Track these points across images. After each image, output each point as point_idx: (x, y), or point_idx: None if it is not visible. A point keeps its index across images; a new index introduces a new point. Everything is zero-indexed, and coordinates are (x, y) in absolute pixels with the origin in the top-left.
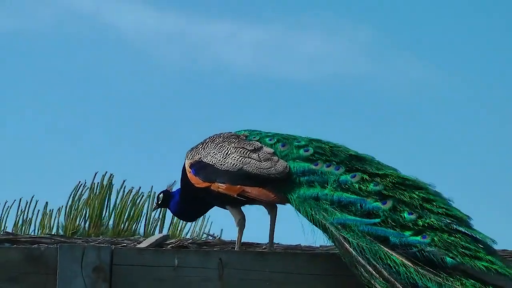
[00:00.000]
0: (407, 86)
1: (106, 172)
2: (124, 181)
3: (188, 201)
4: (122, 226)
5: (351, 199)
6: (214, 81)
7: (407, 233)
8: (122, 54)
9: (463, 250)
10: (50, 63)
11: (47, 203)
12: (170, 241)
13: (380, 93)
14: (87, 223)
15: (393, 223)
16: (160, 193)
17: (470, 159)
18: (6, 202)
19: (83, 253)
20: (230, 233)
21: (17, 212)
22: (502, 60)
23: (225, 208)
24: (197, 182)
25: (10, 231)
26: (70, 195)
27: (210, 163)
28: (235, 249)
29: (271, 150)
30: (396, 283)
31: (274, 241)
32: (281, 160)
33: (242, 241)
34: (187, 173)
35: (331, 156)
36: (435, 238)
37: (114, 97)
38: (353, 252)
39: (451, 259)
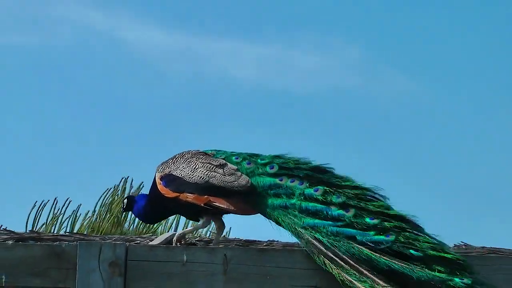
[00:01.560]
0: (393, 98)
1: (128, 176)
2: (142, 182)
3: (154, 207)
4: (142, 226)
5: (317, 207)
6: (218, 94)
7: (372, 232)
8: (134, 68)
9: (426, 244)
10: (69, 77)
11: (79, 205)
12: None
13: (369, 105)
14: (111, 223)
15: (358, 226)
16: (124, 199)
17: (454, 169)
18: (42, 202)
19: (100, 249)
20: (235, 232)
21: (49, 212)
22: (481, 75)
23: (188, 217)
24: (167, 192)
25: (35, 230)
26: (99, 199)
27: (180, 176)
28: (181, 234)
29: (235, 166)
30: (369, 274)
31: (271, 238)
32: (244, 175)
33: (244, 238)
34: (158, 184)
35: (295, 170)
36: (399, 237)
37: (127, 108)
38: (324, 249)
39: (416, 252)
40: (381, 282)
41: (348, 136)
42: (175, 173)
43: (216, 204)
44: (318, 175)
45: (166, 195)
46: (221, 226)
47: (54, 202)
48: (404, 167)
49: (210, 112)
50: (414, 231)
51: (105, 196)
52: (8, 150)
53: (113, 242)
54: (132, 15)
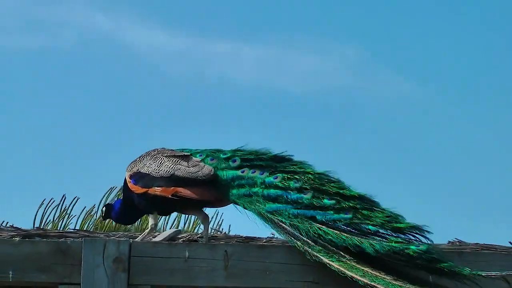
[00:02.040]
0: (389, 99)
1: None
2: None
3: (128, 208)
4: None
5: (277, 193)
6: (218, 94)
7: (331, 212)
8: (136, 69)
9: (382, 220)
10: (72, 78)
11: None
12: (182, 235)
13: (365, 104)
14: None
15: (317, 207)
16: (103, 207)
17: (448, 168)
18: (51, 199)
19: (104, 246)
20: (236, 229)
21: (56, 209)
22: (477, 76)
23: (159, 212)
24: (137, 189)
25: (42, 227)
26: (102, 198)
27: (147, 172)
28: (137, 239)
29: (199, 159)
30: (330, 246)
31: (271, 235)
32: (207, 166)
33: (244, 235)
34: (128, 183)
35: (255, 161)
36: (357, 214)
37: (130, 108)
38: (289, 228)
39: (373, 227)
40: (346, 256)
41: (345, 136)
42: (142, 170)
43: (182, 193)
44: (277, 163)
45: (136, 192)
46: (205, 217)
47: (62, 200)
48: (399, 166)
49: (210, 112)
50: (371, 207)
51: (108, 194)
52: (15, 149)
53: (117, 238)
54: (135, 17)
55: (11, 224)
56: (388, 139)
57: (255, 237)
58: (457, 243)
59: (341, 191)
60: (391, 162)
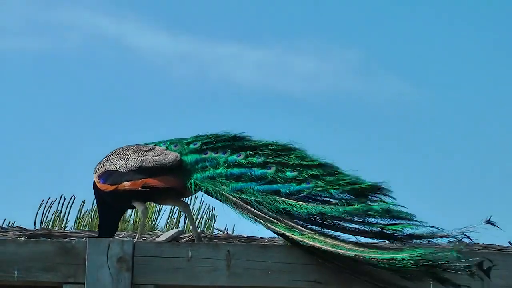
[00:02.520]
0: (390, 101)
1: None
2: None
3: (102, 211)
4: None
5: (241, 171)
6: (221, 95)
7: (293, 184)
8: (140, 71)
9: (343, 182)
10: (77, 81)
11: (83, 201)
12: (185, 235)
13: (365, 106)
14: None
15: (281, 180)
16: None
17: (449, 168)
18: (49, 198)
19: (108, 246)
20: (238, 229)
21: (56, 209)
22: (477, 78)
23: (131, 207)
24: (107, 188)
25: (45, 227)
26: None
27: (115, 169)
28: (137, 237)
29: (163, 147)
30: (295, 225)
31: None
32: (173, 152)
33: (246, 235)
34: (97, 184)
35: (217, 143)
36: (318, 182)
37: (133, 110)
38: (253, 209)
39: (335, 190)
40: (306, 230)
41: (346, 138)
42: (110, 168)
43: (150, 184)
44: (238, 142)
45: (106, 191)
46: (186, 206)
47: (60, 199)
48: (401, 168)
49: (213, 114)
50: (332, 172)
51: None
52: (17, 149)
53: (121, 238)
54: (139, 20)
55: (16, 225)
56: (390, 141)
57: (257, 237)
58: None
59: (302, 162)
60: (392, 163)
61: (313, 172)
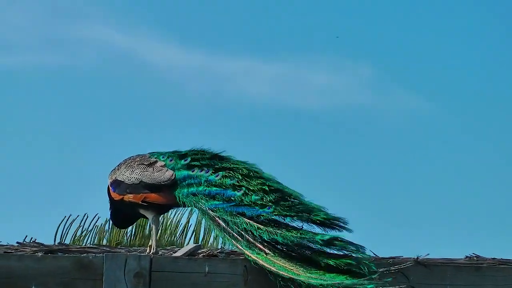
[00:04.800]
0: (403, 117)
1: None
2: None
3: (114, 212)
4: (163, 239)
5: (217, 191)
6: (236, 110)
7: (257, 207)
8: (155, 87)
9: (298, 210)
10: (91, 96)
11: (107, 219)
12: (202, 250)
13: (378, 121)
14: (133, 235)
15: (245, 203)
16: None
17: (463, 184)
18: (70, 215)
19: (125, 261)
20: None
21: (78, 226)
22: (492, 94)
23: (139, 216)
24: (116, 196)
25: (63, 242)
26: None
27: (122, 180)
28: (152, 246)
29: (162, 163)
30: (256, 243)
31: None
32: (169, 170)
33: None
34: (109, 190)
35: (201, 160)
36: (277, 208)
37: (148, 126)
38: (223, 224)
39: (289, 217)
40: (266, 250)
41: (359, 154)
42: (119, 178)
43: (149, 199)
44: (219, 162)
45: (115, 199)
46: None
47: (84, 217)
48: (414, 184)
49: (227, 129)
50: (290, 200)
51: None
52: (37, 165)
53: (138, 253)
54: (153, 35)
55: (34, 240)
56: (403, 158)
57: None
58: (475, 258)
59: (263, 187)
60: (406, 180)
61: (272, 198)
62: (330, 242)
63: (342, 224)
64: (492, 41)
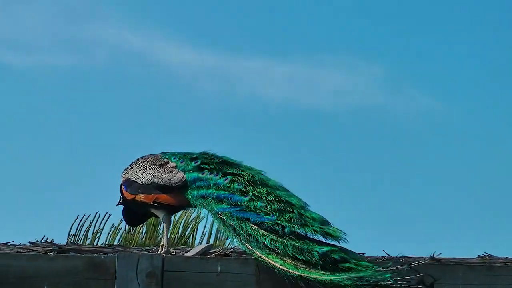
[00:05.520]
0: (417, 117)
1: None
2: None
3: (126, 210)
4: (175, 238)
5: (225, 195)
6: (248, 110)
7: (262, 214)
8: (167, 86)
9: (300, 222)
10: (104, 96)
11: (121, 220)
12: (214, 250)
13: (391, 121)
14: (145, 235)
15: (251, 209)
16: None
17: (477, 182)
18: (84, 215)
19: (138, 260)
20: None
21: (89, 225)
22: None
23: (150, 215)
24: (128, 195)
25: (76, 242)
26: None
27: (134, 179)
28: (164, 245)
29: (174, 164)
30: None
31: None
32: (180, 171)
33: None
34: (122, 189)
35: (210, 164)
36: (281, 216)
37: (161, 125)
38: (231, 227)
39: (288, 227)
40: (272, 255)
41: (372, 154)
42: (131, 177)
43: (160, 200)
44: (227, 167)
45: (127, 198)
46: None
47: (95, 216)
48: (427, 183)
49: (240, 129)
50: (292, 210)
51: None
52: (47, 166)
53: (150, 253)
54: (166, 35)
55: (46, 239)
56: (417, 157)
57: None
58: (487, 258)
59: (268, 197)
60: (417, 178)
61: (276, 207)
62: (327, 255)
63: (340, 236)
64: (506, 41)
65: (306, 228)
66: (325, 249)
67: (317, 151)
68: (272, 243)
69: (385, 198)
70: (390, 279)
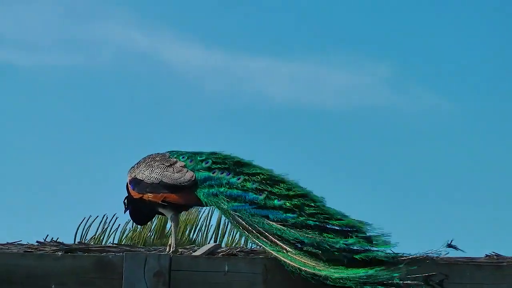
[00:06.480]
0: (423, 115)
1: None
2: None
3: (133, 209)
4: (183, 237)
5: (238, 193)
6: (254, 110)
7: (281, 211)
8: (173, 86)
9: (321, 216)
10: (110, 96)
11: (128, 221)
12: (221, 249)
13: (398, 121)
14: (153, 234)
15: (269, 207)
16: (124, 199)
17: (483, 181)
18: (90, 216)
19: (145, 260)
20: None
21: (98, 226)
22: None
23: (157, 213)
24: (135, 194)
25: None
26: None
27: (141, 178)
28: (172, 244)
29: (182, 163)
30: (278, 242)
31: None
32: (189, 171)
33: None
34: (128, 188)
35: (223, 164)
36: (302, 213)
37: (167, 125)
38: (246, 225)
39: (313, 222)
40: (287, 248)
41: (379, 153)
42: (138, 176)
43: (169, 199)
44: (240, 168)
45: (134, 197)
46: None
47: (103, 218)
48: (434, 182)
49: (246, 128)
50: (314, 205)
51: None
52: (54, 166)
53: (158, 253)
54: (172, 35)
55: (53, 239)
56: (423, 156)
57: None
58: (495, 257)
59: (287, 192)
60: (424, 177)
61: (295, 203)
62: (350, 246)
63: (361, 230)
64: (499, 39)
65: (330, 221)
66: (351, 240)
67: (323, 150)
68: (295, 236)
69: (392, 197)
70: (397, 279)
